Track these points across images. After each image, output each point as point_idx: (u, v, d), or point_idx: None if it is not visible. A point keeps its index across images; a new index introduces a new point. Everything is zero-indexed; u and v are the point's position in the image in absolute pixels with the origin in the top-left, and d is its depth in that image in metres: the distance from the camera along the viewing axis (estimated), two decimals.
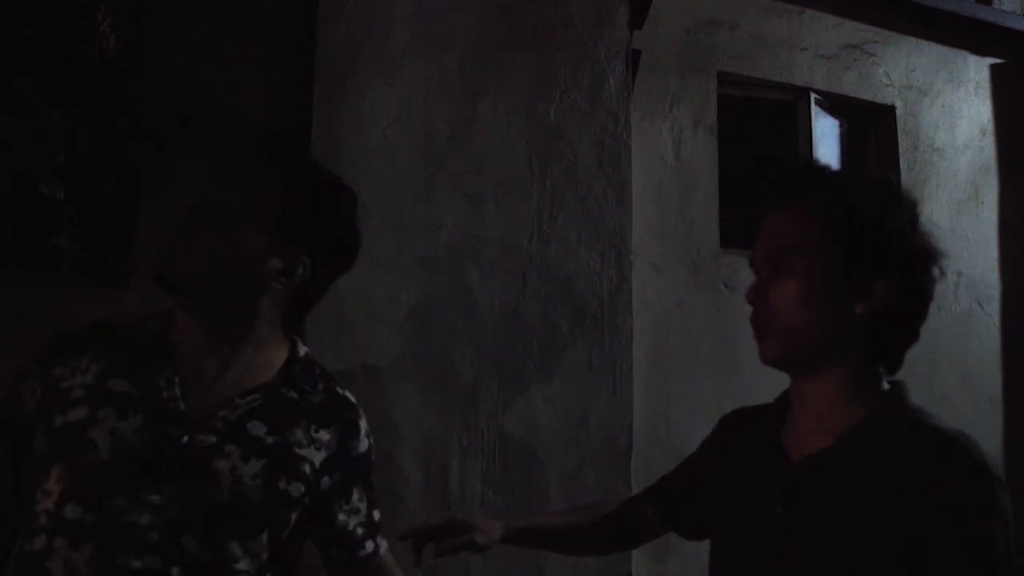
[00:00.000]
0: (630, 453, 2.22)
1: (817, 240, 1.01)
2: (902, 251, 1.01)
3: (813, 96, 3.80)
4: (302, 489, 1.12)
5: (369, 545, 1.25)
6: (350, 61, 2.12)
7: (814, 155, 3.80)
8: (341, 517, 1.20)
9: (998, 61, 4.17)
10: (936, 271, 1.05)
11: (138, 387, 1.07)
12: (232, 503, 1.05)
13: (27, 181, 1.95)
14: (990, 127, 4.12)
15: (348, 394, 1.25)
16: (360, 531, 1.24)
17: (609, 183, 2.28)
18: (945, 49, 4.05)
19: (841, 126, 4.02)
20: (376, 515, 1.27)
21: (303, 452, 1.13)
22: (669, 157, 3.39)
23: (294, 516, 1.12)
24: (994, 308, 4.02)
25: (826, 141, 3.92)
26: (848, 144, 4.03)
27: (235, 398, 1.10)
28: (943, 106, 4.02)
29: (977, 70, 4.13)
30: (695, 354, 3.25)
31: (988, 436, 3.93)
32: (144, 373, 1.09)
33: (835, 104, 3.91)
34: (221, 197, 1.15)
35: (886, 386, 1.04)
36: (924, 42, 3.99)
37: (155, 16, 2.11)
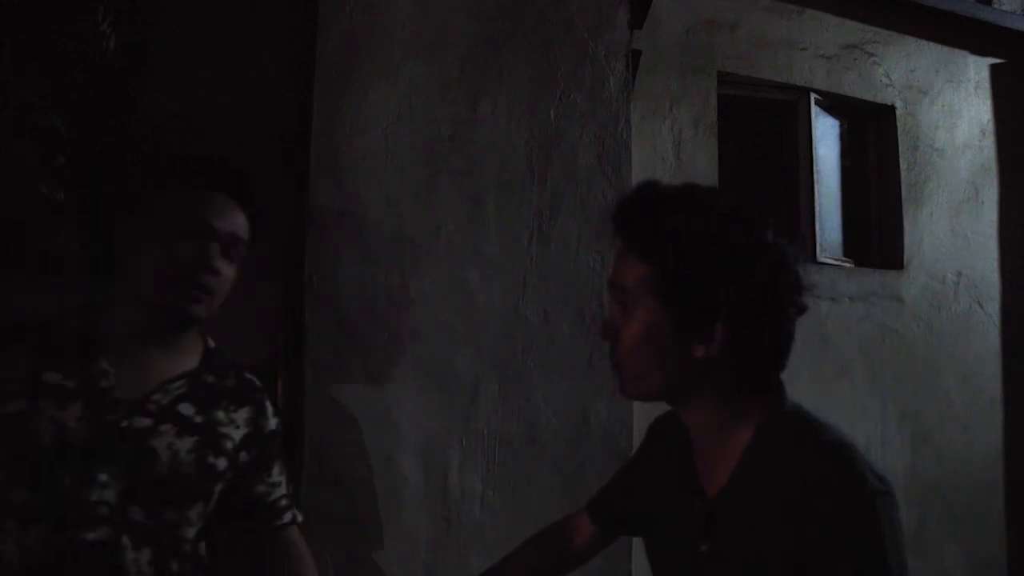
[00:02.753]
0: (630, 453, 2.22)
1: (647, 286, 0.98)
2: (734, 293, 0.95)
3: (813, 96, 3.80)
4: (226, 463, 1.27)
5: (288, 516, 1.38)
6: (350, 61, 2.11)
7: (814, 155, 3.80)
8: (262, 488, 1.34)
9: (998, 61, 4.17)
10: (794, 308, 0.98)
11: (73, 379, 1.17)
12: (170, 475, 1.19)
13: (27, 181, 1.95)
14: (990, 127, 4.12)
15: (254, 378, 1.40)
16: (283, 502, 1.38)
17: (609, 183, 2.28)
18: (945, 49, 4.04)
19: (841, 126, 4.02)
20: (290, 489, 1.41)
21: (225, 430, 1.29)
22: (669, 157, 3.39)
23: (218, 488, 1.26)
24: (994, 308, 4.03)
25: (826, 141, 3.92)
26: (848, 144, 4.03)
27: (166, 384, 1.24)
28: (943, 106, 4.02)
29: (977, 70, 4.13)
30: None
31: (988, 436, 3.93)
32: (77, 365, 1.19)
33: (835, 104, 3.91)
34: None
35: (766, 389, 1.02)
36: (924, 42, 3.99)
37: (155, 16, 2.10)
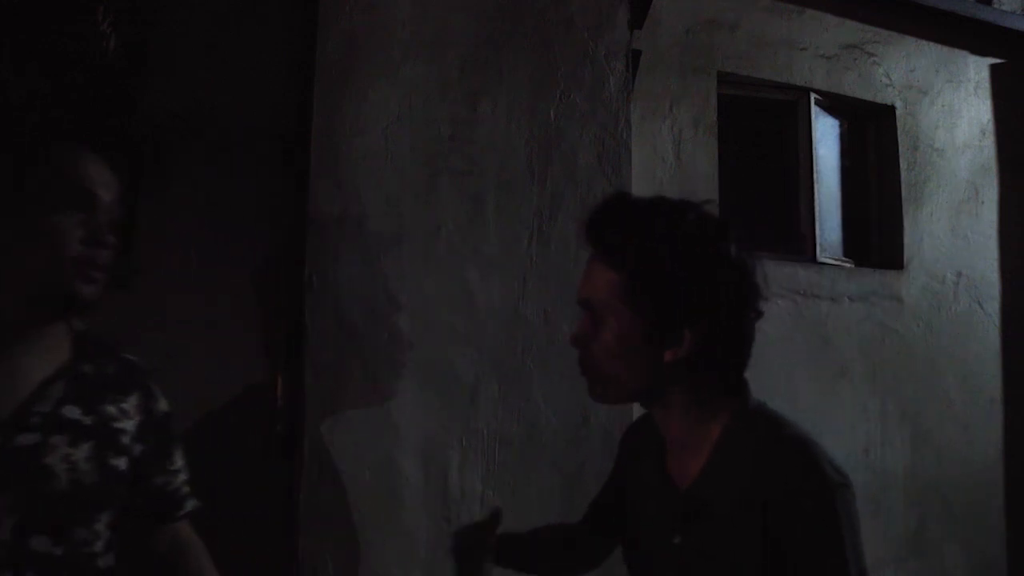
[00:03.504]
0: None
1: (617, 294, 1.02)
2: (699, 299, 1.00)
3: (813, 96, 3.79)
4: (126, 461, 1.14)
5: (190, 503, 1.28)
6: (350, 61, 2.11)
7: (814, 155, 3.80)
8: (160, 479, 1.22)
9: (998, 61, 4.17)
10: (754, 311, 1.04)
11: None
12: (72, 491, 1.05)
13: None
14: (990, 127, 4.11)
15: (134, 358, 1.24)
16: (185, 489, 1.27)
17: (609, 183, 2.28)
18: (945, 49, 4.04)
19: (841, 126, 4.02)
20: (188, 474, 1.30)
21: (119, 425, 1.15)
22: (669, 157, 3.39)
23: (121, 490, 1.14)
24: (994, 308, 4.02)
25: (826, 141, 3.92)
26: (848, 144, 4.03)
27: (43, 388, 1.07)
28: (943, 106, 4.02)
29: (977, 70, 4.13)
30: None
31: (988, 436, 3.93)
32: None
33: (835, 104, 3.91)
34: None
35: (732, 386, 1.06)
36: (924, 42, 3.99)
37: (155, 16, 2.10)
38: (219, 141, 2.10)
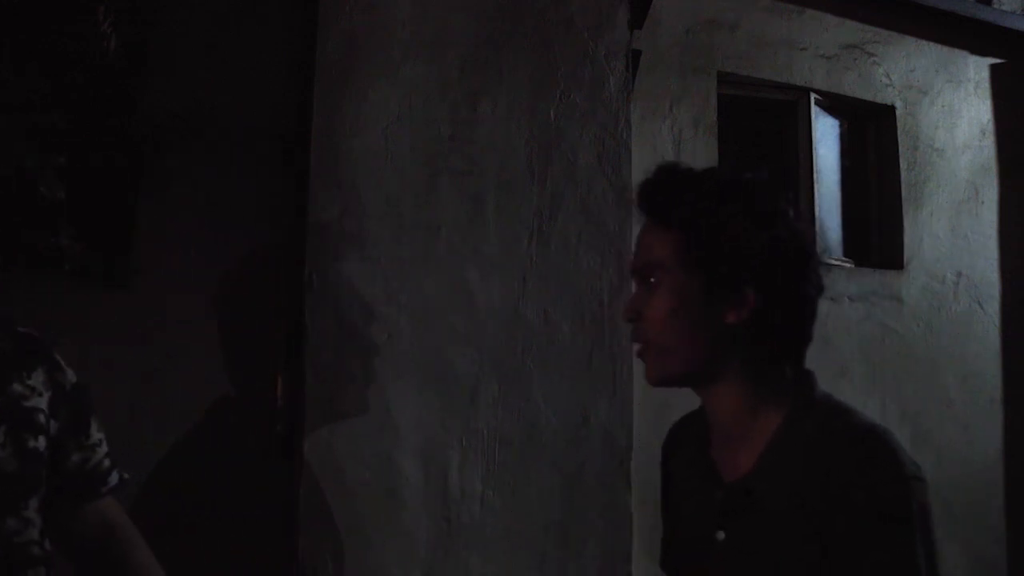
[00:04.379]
0: (630, 453, 2.22)
1: (676, 254, 0.99)
2: (768, 255, 0.97)
3: (813, 96, 3.79)
4: (44, 440, 1.08)
5: (114, 477, 1.20)
6: (350, 61, 2.11)
7: (814, 155, 3.80)
8: (78, 456, 1.14)
9: (998, 61, 4.17)
10: (812, 272, 1.01)
11: None
12: None
13: (27, 181, 1.95)
14: (990, 127, 4.11)
15: (31, 331, 1.16)
16: (107, 462, 1.19)
17: (609, 183, 2.28)
18: (945, 49, 4.04)
19: (841, 126, 4.01)
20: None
21: (30, 403, 1.08)
22: (669, 157, 3.39)
23: (44, 471, 1.08)
24: (994, 308, 4.02)
25: (826, 141, 3.91)
26: (848, 144, 4.03)
27: None
28: (943, 106, 4.02)
29: (977, 70, 4.13)
30: None
31: (988, 436, 3.93)
32: None
33: (835, 104, 3.90)
34: None
35: (790, 375, 1.02)
36: (924, 42, 3.99)
37: (155, 16, 2.10)
38: (219, 141, 2.10)
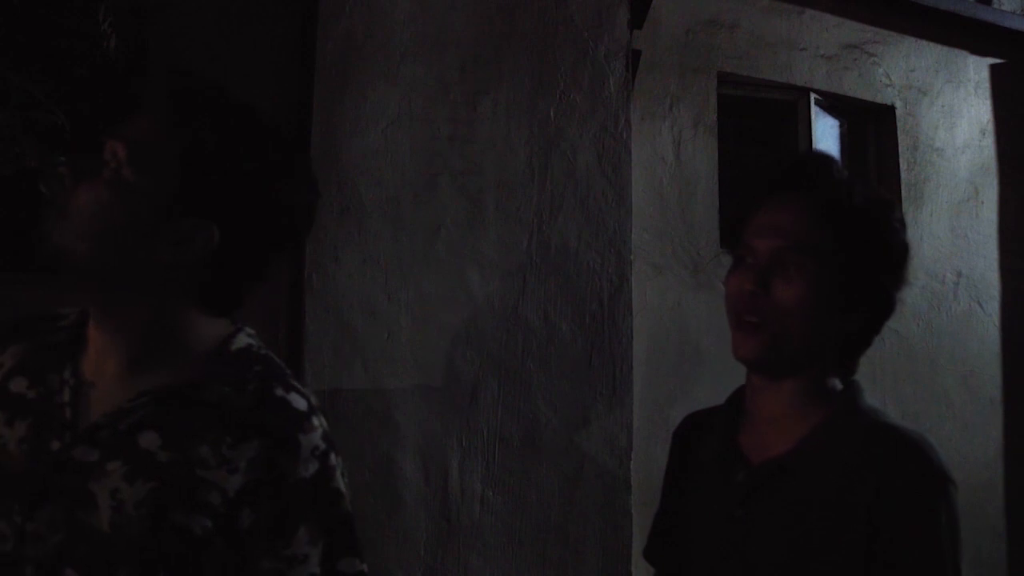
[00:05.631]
0: (630, 453, 2.22)
1: (830, 247, 0.98)
2: (897, 271, 1.02)
3: (813, 96, 3.79)
4: (208, 524, 0.86)
5: None
6: (350, 61, 2.12)
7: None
8: (268, 564, 0.87)
9: (998, 61, 4.17)
10: (903, 285, 1.06)
11: (36, 388, 0.90)
12: (113, 535, 0.84)
13: (28, 180, 1.95)
14: (990, 127, 4.11)
15: (293, 399, 0.93)
16: None
17: (609, 183, 2.28)
18: (945, 49, 4.04)
19: (841, 126, 4.02)
20: (346, 567, 0.91)
21: (209, 475, 0.86)
22: (669, 157, 3.39)
23: (201, 558, 0.86)
24: (994, 308, 4.02)
25: (826, 141, 3.91)
26: (848, 144, 4.03)
27: (131, 401, 0.88)
28: (943, 106, 4.02)
29: (977, 70, 4.13)
30: (695, 354, 3.25)
31: (988, 436, 3.93)
32: (46, 372, 0.91)
33: (835, 104, 3.91)
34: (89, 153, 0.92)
35: (839, 385, 1.04)
36: (924, 42, 3.99)
37: (156, 16, 2.11)
38: None
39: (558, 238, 2.23)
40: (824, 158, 1.09)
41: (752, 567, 0.98)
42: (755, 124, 3.80)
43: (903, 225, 1.04)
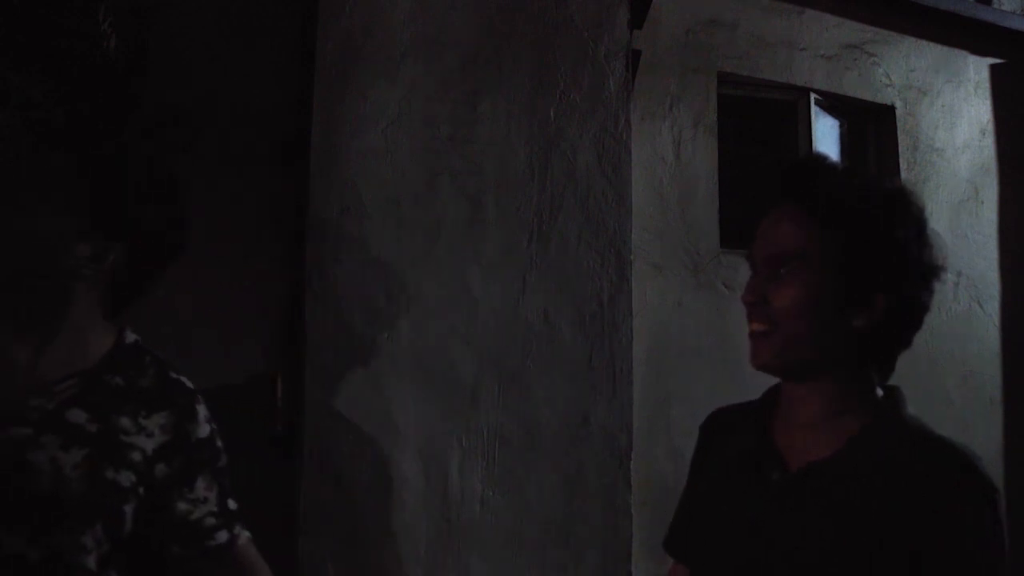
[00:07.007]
0: (630, 453, 2.22)
1: (822, 249, 0.99)
2: (906, 265, 1.00)
3: (813, 96, 3.79)
4: (133, 478, 1.08)
5: (222, 535, 1.17)
6: (350, 61, 2.12)
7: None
8: (183, 506, 1.13)
9: (998, 61, 4.17)
10: (936, 284, 1.04)
11: None
12: (53, 495, 1.03)
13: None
14: (990, 127, 4.12)
15: (184, 379, 1.20)
16: (210, 520, 1.16)
17: (609, 183, 2.28)
18: (945, 49, 4.04)
19: (841, 126, 4.02)
20: (231, 504, 1.19)
21: (131, 439, 1.10)
22: (669, 157, 3.39)
23: (128, 508, 1.08)
24: (994, 308, 4.02)
25: (826, 141, 3.92)
26: (848, 144, 4.03)
27: (52, 385, 1.07)
28: (943, 106, 4.02)
29: (977, 70, 4.13)
30: (695, 354, 3.25)
31: (988, 436, 3.93)
32: None
33: (835, 104, 3.91)
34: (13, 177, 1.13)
35: (880, 392, 1.03)
36: (924, 42, 3.99)
37: (156, 16, 2.11)
38: (219, 141, 2.11)
39: (558, 238, 2.23)
40: (812, 161, 1.08)
41: (778, 569, 0.97)
42: (755, 124, 3.81)
43: (912, 218, 1.01)
